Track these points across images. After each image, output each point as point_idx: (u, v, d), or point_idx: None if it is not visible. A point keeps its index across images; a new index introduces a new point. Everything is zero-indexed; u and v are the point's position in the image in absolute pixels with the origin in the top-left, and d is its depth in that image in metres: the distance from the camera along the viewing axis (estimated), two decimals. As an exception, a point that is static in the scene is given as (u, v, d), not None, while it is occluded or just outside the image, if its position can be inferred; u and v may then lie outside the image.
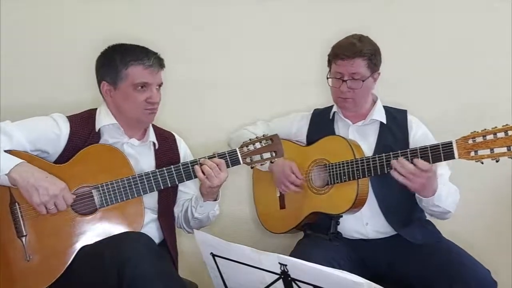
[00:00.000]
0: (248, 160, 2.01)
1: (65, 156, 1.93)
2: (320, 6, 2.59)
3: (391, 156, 1.97)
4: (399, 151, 1.96)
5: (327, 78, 2.19)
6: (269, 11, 2.61)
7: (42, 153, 1.94)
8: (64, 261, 1.82)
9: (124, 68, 1.94)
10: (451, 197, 2.03)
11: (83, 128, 1.98)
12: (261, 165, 2.04)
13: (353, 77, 2.10)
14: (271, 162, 2.05)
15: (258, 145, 2.02)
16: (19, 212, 1.83)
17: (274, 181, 2.29)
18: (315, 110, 2.38)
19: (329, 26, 2.51)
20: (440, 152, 1.88)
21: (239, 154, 1.99)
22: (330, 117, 2.27)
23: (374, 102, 2.24)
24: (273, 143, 2.03)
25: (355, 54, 2.08)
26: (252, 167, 2.06)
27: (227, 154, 1.98)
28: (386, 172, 1.97)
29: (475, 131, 1.83)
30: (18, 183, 1.78)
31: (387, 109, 2.23)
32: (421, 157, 1.91)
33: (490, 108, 2.41)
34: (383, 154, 1.99)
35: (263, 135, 2.04)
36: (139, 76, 1.94)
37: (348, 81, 2.10)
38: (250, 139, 2.04)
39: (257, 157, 2.01)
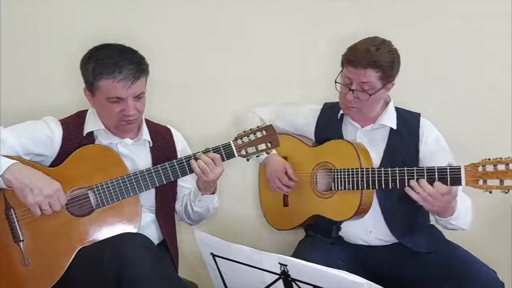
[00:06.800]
0: (243, 152, 1.99)
1: (60, 159, 1.92)
2: (321, 5, 2.48)
3: (397, 172, 1.88)
4: (405, 168, 1.87)
5: (335, 82, 2.05)
6: (269, 10, 2.52)
7: (37, 156, 1.92)
8: (63, 264, 1.82)
9: (96, 81, 1.87)
10: (465, 216, 1.95)
11: (76, 131, 1.96)
12: (257, 156, 2.02)
13: (362, 86, 1.96)
14: (267, 153, 2.03)
15: (252, 136, 2.00)
16: (14, 218, 1.82)
17: (267, 176, 2.24)
18: (325, 104, 2.25)
19: (330, 26, 2.45)
20: (447, 176, 1.79)
21: (233, 147, 1.97)
22: (339, 117, 2.16)
23: (387, 103, 2.11)
24: (267, 133, 2.00)
25: (368, 65, 1.92)
26: (247, 160, 2.04)
27: (221, 148, 1.96)
28: (390, 187, 1.90)
29: (486, 159, 1.74)
30: (12, 183, 1.77)
31: (400, 112, 2.11)
32: (427, 178, 1.82)
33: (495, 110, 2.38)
34: (389, 169, 1.90)
35: (257, 126, 2.01)
36: (111, 91, 1.86)
37: (355, 91, 1.98)
38: (244, 131, 2.01)
39: (252, 149, 2.00)
